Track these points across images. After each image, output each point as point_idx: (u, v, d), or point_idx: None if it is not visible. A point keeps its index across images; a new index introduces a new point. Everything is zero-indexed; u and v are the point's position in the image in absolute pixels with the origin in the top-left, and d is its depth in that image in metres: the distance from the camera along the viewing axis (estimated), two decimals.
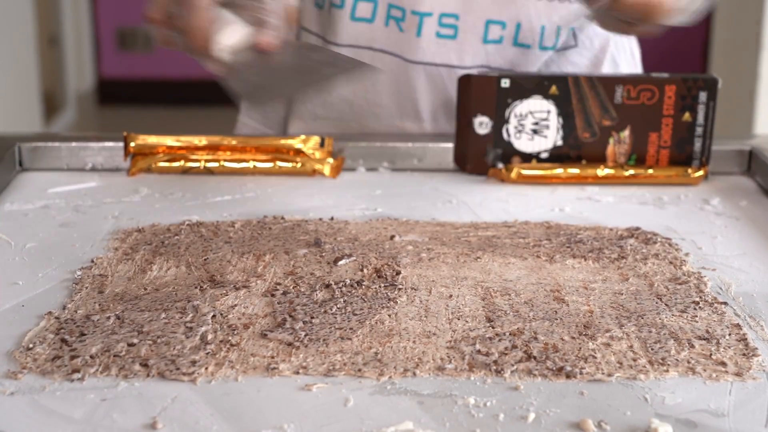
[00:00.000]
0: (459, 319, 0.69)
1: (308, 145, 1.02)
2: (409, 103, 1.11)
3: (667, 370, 0.63)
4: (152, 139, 1.02)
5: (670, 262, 0.81)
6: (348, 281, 0.75)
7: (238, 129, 1.22)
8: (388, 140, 1.07)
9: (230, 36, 0.81)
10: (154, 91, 4.54)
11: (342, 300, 0.72)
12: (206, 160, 1.02)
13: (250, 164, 1.02)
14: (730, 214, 0.94)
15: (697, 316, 0.71)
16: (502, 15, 1.06)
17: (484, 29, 1.07)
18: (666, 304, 0.73)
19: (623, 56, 1.16)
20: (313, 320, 0.68)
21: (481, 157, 1.03)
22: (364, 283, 0.75)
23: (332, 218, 0.91)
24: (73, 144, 1.04)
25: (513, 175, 1.01)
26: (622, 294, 0.74)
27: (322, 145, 1.03)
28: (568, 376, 0.62)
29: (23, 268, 0.79)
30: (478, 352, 0.65)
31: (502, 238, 0.86)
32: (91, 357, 0.63)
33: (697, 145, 1.03)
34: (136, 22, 4.45)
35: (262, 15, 0.83)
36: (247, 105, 1.20)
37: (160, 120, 4.32)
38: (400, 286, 0.75)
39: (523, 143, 1.03)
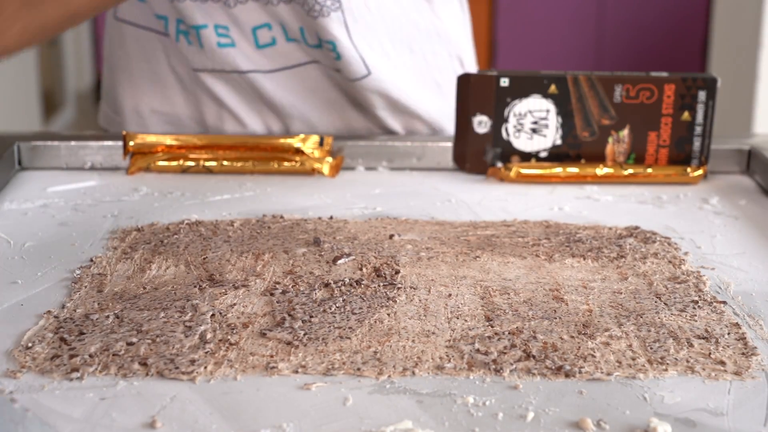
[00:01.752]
0: (458, 318, 0.69)
1: (307, 144, 1.02)
2: (217, 109, 1.14)
3: (666, 369, 0.63)
4: (151, 138, 1.02)
5: (669, 261, 0.81)
6: (347, 280, 0.75)
7: (99, 117, 1.24)
8: (387, 139, 1.08)
9: None
10: None
11: (341, 299, 0.72)
12: (205, 159, 1.02)
13: (249, 163, 1.02)
14: (729, 213, 0.94)
15: (696, 315, 0.71)
16: (262, 19, 1.08)
17: (253, 35, 1.09)
18: (665, 303, 0.73)
19: (448, 65, 1.17)
20: (312, 319, 0.68)
21: (480, 156, 1.03)
22: (363, 282, 0.75)
23: (331, 217, 0.91)
24: (72, 143, 1.04)
25: (512, 174, 1.01)
26: (621, 293, 0.74)
27: (321, 144, 1.03)
28: (567, 375, 0.62)
29: (22, 267, 0.79)
30: (477, 351, 0.65)
31: (501, 237, 0.86)
32: (90, 356, 0.63)
33: (697, 144, 1.03)
34: None
35: None
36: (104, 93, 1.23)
37: None
38: (399, 285, 0.75)
39: (522, 142, 1.03)
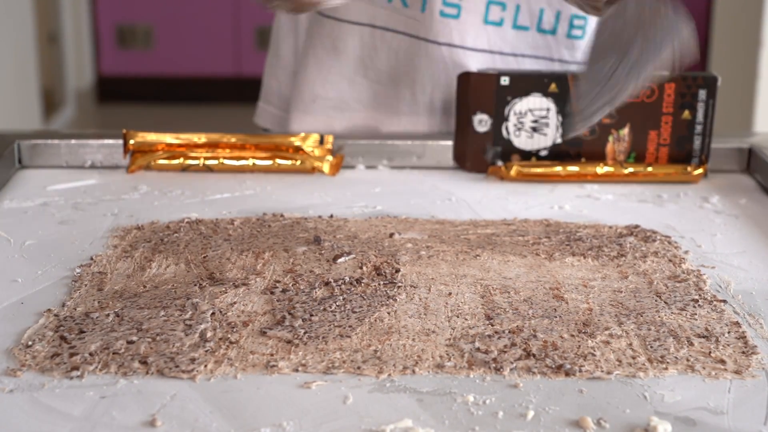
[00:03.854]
0: (458, 317, 0.69)
1: (307, 142, 1.02)
2: (408, 90, 1.11)
3: (667, 368, 0.63)
4: (151, 137, 1.02)
5: (670, 260, 0.81)
6: (347, 279, 0.75)
7: (257, 116, 1.22)
8: (387, 138, 1.07)
9: None
10: (153, 89, 4.54)
11: (341, 298, 0.72)
12: (205, 158, 1.02)
13: (250, 162, 1.02)
14: (730, 212, 0.94)
15: (696, 314, 0.71)
16: None
17: (485, 9, 1.07)
18: (665, 302, 0.73)
19: None
20: (313, 318, 0.68)
21: (481, 154, 1.03)
22: (363, 280, 0.75)
23: (331, 216, 0.91)
24: (73, 141, 1.04)
25: (512, 172, 1.01)
26: (622, 292, 0.74)
27: (321, 142, 1.03)
28: (567, 374, 0.62)
29: (22, 265, 0.79)
30: (478, 349, 0.65)
31: (501, 235, 0.86)
32: (91, 354, 0.63)
33: (697, 143, 1.03)
34: (136, 19, 4.45)
35: None
36: (265, 91, 1.20)
37: (160, 117, 4.32)
38: (400, 284, 0.75)
39: (523, 141, 1.03)
